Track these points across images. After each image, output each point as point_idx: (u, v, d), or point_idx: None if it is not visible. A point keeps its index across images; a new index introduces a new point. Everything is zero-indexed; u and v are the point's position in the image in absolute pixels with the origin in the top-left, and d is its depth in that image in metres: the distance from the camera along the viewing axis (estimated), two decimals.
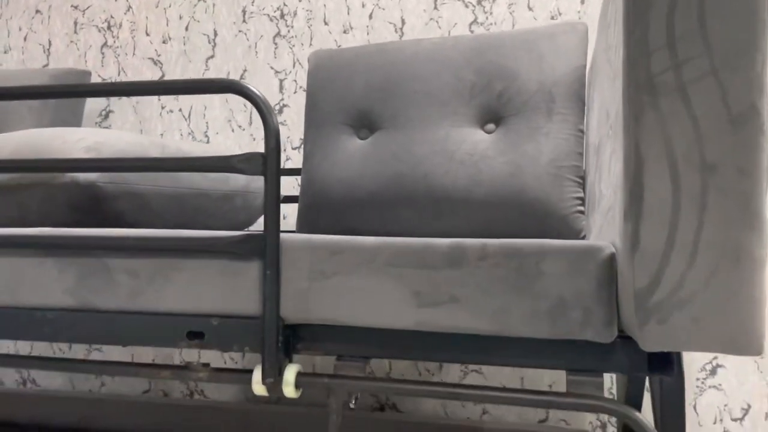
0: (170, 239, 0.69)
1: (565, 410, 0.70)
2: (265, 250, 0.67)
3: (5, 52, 1.74)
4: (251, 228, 1.46)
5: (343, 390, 0.69)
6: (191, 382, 1.48)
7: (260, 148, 1.52)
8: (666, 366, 0.61)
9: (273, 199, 0.67)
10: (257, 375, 0.69)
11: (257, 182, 1.24)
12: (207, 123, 1.58)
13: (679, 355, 0.62)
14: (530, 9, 1.43)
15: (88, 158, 0.75)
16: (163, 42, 1.62)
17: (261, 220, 1.41)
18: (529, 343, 0.66)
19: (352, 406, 0.76)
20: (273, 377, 0.67)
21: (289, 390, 0.68)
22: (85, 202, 0.87)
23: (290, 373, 0.69)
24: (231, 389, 1.52)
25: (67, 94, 0.75)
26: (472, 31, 1.46)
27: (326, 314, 0.68)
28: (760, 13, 0.54)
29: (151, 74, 1.63)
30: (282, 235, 0.69)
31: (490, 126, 1.15)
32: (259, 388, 0.69)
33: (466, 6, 1.46)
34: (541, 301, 0.62)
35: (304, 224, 1.20)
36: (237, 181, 1.18)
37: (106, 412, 1.51)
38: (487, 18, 1.45)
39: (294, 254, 0.68)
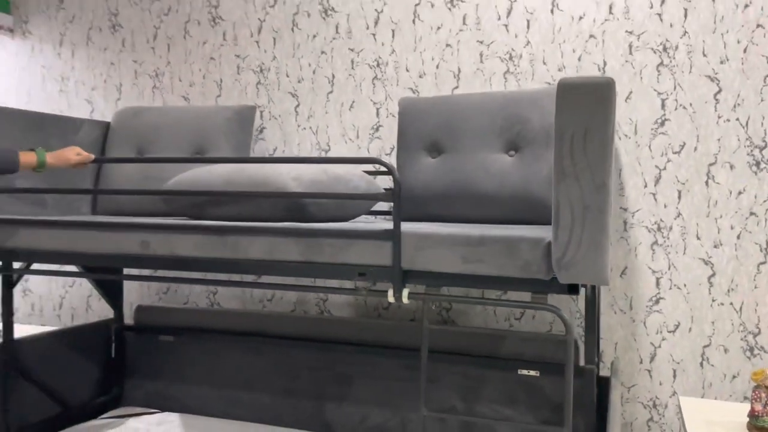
0: (352, 230, 1.49)
1: (531, 310, 1.49)
2: (394, 234, 1.47)
3: (190, 86, 2.58)
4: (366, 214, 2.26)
5: (429, 300, 1.50)
6: (322, 302, 2.34)
7: (359, 152, 2.32)
8: (572, 288, 1.38)
9: (397, 214, 1.46)
10: (390, 292, 1.50)
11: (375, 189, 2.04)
12: (328, 136, 2.39)
13: (578, 285, 1.40)
14: (544, 63, 2.14)
15: (296, 192, 1.56)
16: (299, 81, 2.41)
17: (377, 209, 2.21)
18: (516, 279, 1.44)
19: (433, 308, 1.56)
20: (399, 293, 1.49)
21: (405, 299, 1.49)
22: (292, 206, 1.68)
23: (405, 292, 1.49)
24: (348, 309, 2.38)
25: (245, 160, 1.55)
26: (506, 79, 2.19)
27: (421, 265, 1.47)
28: (610, 146, 1.29)
29: (324, 96, 2.43)
30: (402, 225, 1.48)
31: (512, 152, 1.91)
32: (391, 298, 1.50)
33: (502, 61, 2.19)
34: (519, 260, 1.40)
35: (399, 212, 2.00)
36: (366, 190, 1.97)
37: (267, 323, 2.38)
38: (516, 68, 2.18)
39: (406, 237, 1.48)
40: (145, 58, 2.66)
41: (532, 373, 2.04)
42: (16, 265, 1.98)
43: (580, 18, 2.10)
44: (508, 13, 2.18)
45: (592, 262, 1.31)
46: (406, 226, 1.54)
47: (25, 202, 2.07)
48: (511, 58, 2.18)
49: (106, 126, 2.39)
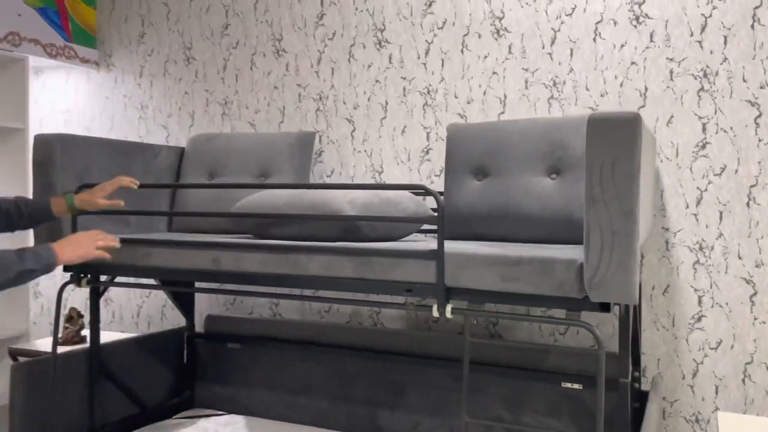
0: (399, 250, 1.64)
1: (564, 325, 1.59)
2: (438, 254, 1.60)
3: (256, 113, 2.80)
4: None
5: (470, 315, 1.63)
6: (375, 315, 2.50)
7: (412, 177, 2.47)
8: (604, 306, 1.49)
9: (441, 236, 1.60)
10: (434, 308, 1.63)
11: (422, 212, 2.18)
12: (382, 159, 2.55)
13: (609, 304, 1.50)
14: (587, 89, 2.24)
15: (350, 215, 1.72)
16: (355, 108, 2.59)
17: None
18: (551, 297, 1.55)
19: (474, 322, 1.69)
20: (443, 308, 1.62)
21: (449, 314, 1.62)
22: (347, 227, 1.84)
23: (449, 307, 1.63)
24: (399, 322, 2.52)
25: (296, 185, 1.71)
26: (550, 104, 2.30)
27: (463, 283, 1.60)
28: (636, 176, 1.39)
29: (378, 121, 2.61)
30: (445, 245, 1.62)
31: (553, 176, 2.01)
32: (435, 313, 1.64)
33: (546, 87, 2.30)
34: (554, 280, 1.51)
35: (447, 230, 2.14)
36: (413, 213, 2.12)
37: (325, 333, 2.55)
38: (560, 94, 2.28)
39: (449, 257, 1.61)
40: (216, 88, 2.90)
41: (575, 386, 2.13)
42: (102, 277, 2.22)
43: (622, 46, 2.19)
44: (552, 42, 2.29)
45: (620, 282, 1.42)
46: (450, 246, 1.67)
47: (112, 221, 2.31)
48: (555, 84, 2.29)
49: (180, 151, 2.63)
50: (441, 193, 2.26)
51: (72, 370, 2.25)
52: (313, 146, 2.53)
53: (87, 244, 1.70)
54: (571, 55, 2.27)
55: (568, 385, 2.14)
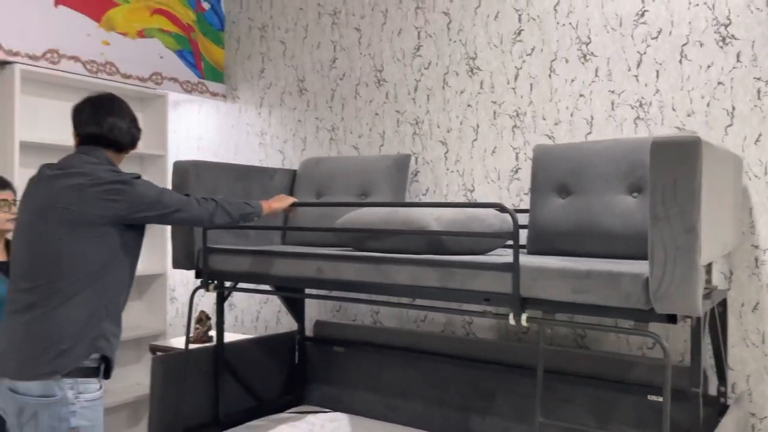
0: (478, 262, 1.81)
1: (633, 334, 1.69)
2: (513, 267, 1.76)
3: (359, 137, 3.07)
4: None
5: (545, 324, 1.76)
6: (468, 325, 2.66)
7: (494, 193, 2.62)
8: (671, 318, 1.57)
9: (516, 250, 1.75)
10: (511, 316, 1.78)
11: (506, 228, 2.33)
12: (473, 178, 2.72)
13: (676, 315, 1.57)
14: (674, 110, 2.30)
15: (434, 230, 1.92)
16: (448, 131, 2.79)
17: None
18: (619, 308, 1.66)
19: (549, 331, 1.81)
20: (518, 317, 1.77)
21: (524, 322, 1.77)
22: (433, 241, 2.04)
23: (524, 316, 1.77)
24: (491, 332, 2.67)
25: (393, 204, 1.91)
26: (636, 124, 2.37)
27: (537, 294, 1.74)
28: (698, 194, 1.48)
29: (470, 143, 2.81)
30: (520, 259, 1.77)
31: (635, 194, 2.10)
32: (512, 321, 1.78)
33: (632, 108, 2.38)
34: (622, 292, 1.62)
35: (532, 246, 2.27)
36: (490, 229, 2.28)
37: (421, 341, 2.74)
38: (646, 114, 2.35)
39: (524, 269, 1.76)
40: (325, 116, 3.20)
41: (661, 399, 2.17)
42: (227, 284, 2.55)
43: (708, 66, 2.23)
44: (638, 65, 2.37)
45: (683, 294, 1.50)
46: (525, 259, 1.82)
47: (233, 235, 2.65)
48: (641, 105, 2.36)
49: (293, 173, 2.95)
50: (527, 211, 2.39)
51: (200, 364, 2.60)
52: (409, 167, 2.75)
53: (282, 201, 2.29)
54: (657, 76, 2.33)
55: (654, 397, 2.19)
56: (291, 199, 2.32)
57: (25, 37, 2.74)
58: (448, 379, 2.63)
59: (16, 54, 2.70)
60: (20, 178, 2.54)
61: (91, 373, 1.74)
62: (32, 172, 2.72)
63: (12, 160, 2.65)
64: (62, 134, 2.94)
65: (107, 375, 1.80)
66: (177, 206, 1.89)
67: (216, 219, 2.00)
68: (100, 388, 1.77)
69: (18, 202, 2.21)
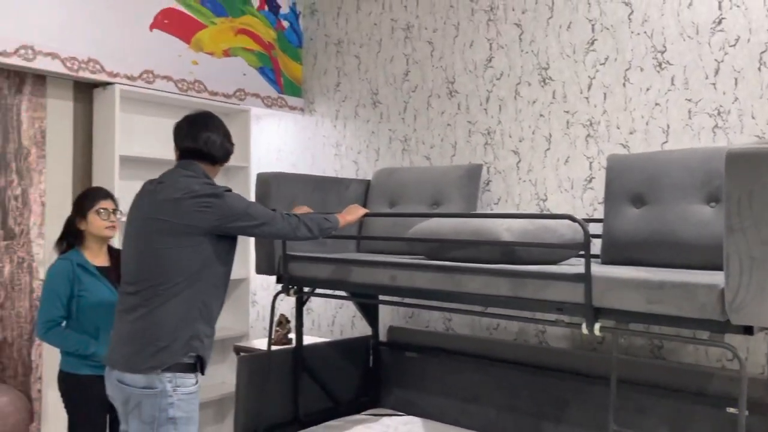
0: (550, 272, 1.85)
1: (709, 346, 1.68)
2: (585, 277, 1.78)
3: (431, 148, 3.14)
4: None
5: (618, 333, 1.77)
6: (541, 334, 2.68)
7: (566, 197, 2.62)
8: (747, 329, 1.56)
9: (587, 260, 1.78)
10: (584, 325, 1.81)
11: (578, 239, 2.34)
12: (546, 187, 2.74)
13: (752, 327, 1.56)
14: (753, 118, 2.25)
15: (508, 240, 1.96)
16: (520, 141, 2.82)
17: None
18: (694, 319, 1.66)
19: (622, 340, 1.82)
20: (590, 326, 1.79)
21: (597, 332, 1.79)
22: (505, 251, 2.08)
23: (597, 326, 1.79)
24: (564, 341, 2.68)
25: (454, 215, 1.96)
26: (714, 133, 2.33)
27: (610, 304, 1.76)
28: None
29: (542, 153, 2.85)
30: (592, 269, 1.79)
31: (712, 204, 2.07)
32: (585, 331, 1.81)
33: (710, 116, 2.35)
34: (697, 303, 1.62)
35: (605, 256, 2.27)
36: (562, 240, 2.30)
37: (493, 349, 2.78)
38: (724, 123, 2.32)
39: (596, 279, 1.78)
40: (397, 127, 3.30)
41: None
42: (305, 289, 2.68)
43: None
44: (716, 72, 2.34)
45: (759, 306, 1.50)
46: (597, 270, 1.84)
47: (311, 243, 2.77)
48: (719, 113, 2.33)
49: (367, 183, 3.05)
50: (601, 221, 2.39)
51: (281, 365, 2.74)
52: (481, 177, 2.80)
53: (356, 210, 2.40)
54: (736, 84, 2.29)
55: (733, 410, 2.15)
56: (363, 211, 2.42)
57: (124, 59, 2.97)
58: (521, 387, 2.66)
59: (116, 75, 2.94)
60: (120, 188, 2.77)
61: (188, 368, 1.89)
62: (130, 183, 2.96)
63: (113, 172, 2.89)
64: (156, 148, 3.17)
65: (202, 372, 1.95)
66: (264, 220, 2.02)
67: (298, 233, 2.12)
68: (196, 383, 1.92)
69: (118, 211, 2.43)
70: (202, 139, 2.02)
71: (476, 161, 2.97)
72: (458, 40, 3.07)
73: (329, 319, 3.58)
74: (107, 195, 2.44)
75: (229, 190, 2.00)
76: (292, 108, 3.73)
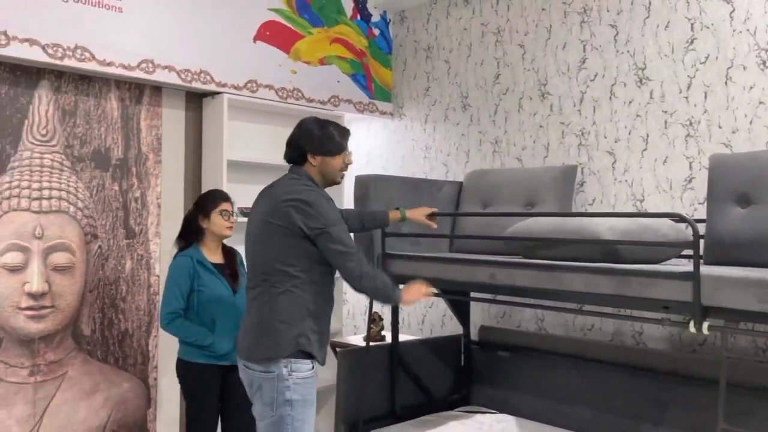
0: (656, 271, 1.86)
1: None
2: (693, 276, 1.78)
3: (523, 149, 3.18)
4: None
5: (727, 332, 1.77)
6: (638, 335, 2.67)
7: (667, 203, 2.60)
8: None
9: (696, 259, 1.78)
10: (691, 324, 1.81)
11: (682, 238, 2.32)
12: (643, 188, 2.73)
13: None
14: None
15: (609, 239, 1.98)
16: (616, 141, 2.82)
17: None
18: None
19: (732, 339, 1.81)
20: (698, 325, 1.79)
21: (705, 330, 1.78)
22: (607, 251, 2.10)
23: (705, 324, 1.79)
24: (662, 342, 2.66)
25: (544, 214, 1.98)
26: None
27: (719, 302, 1.75)
28: None
29: (639, 153, 2.85)
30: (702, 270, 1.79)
31: None
32: (692, 329, 1.81)
33: None
34: None
35: (709, 256, 2.25)
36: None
37: (588, 349, 2.78)
38: None
39: (704, 278, 1.78)
40: (488, 129, 3.35)
41: None
42: (401, 286, 2.78)
43: None
44: None
45: None
46: (705, 269, 1.84)
47: (407, 242, 2.87)
48: None
49: (459, 185, 3.12)
50: (702, 221, 2.37)
51: (377, 360, 2.85)
52: (575, 178, 2.82)
53: (417, 291, 2.24)
54: None
55: None
56: (424, 292, 2.25)
57: (231, 70, 3.17)
58: (618, 388, 2.65)
59: (224, 85, 3.14)
60: (227, 191, 2.94)
61: (303, 355, 2.02)
62: (237, 186, 3.15)
63: (221, 176, 3.09)
64: (259, 153, 3.36)
65: (320, 362, 2.08)
66: (350, 250, 2.03)
67: (364, 282, 2.07)
68: (311, 368, 2.05)
69: (235, 213, 2.62)
70: (293, 140, 2.16)
71: (570, 162, 2.98)
72: (550, 42, 3.10)
73: (419, 318, 3.67)
74: (228, 197, 2.63)
75: (326, 199, 2.08)
76: (383, 113, 3.85)
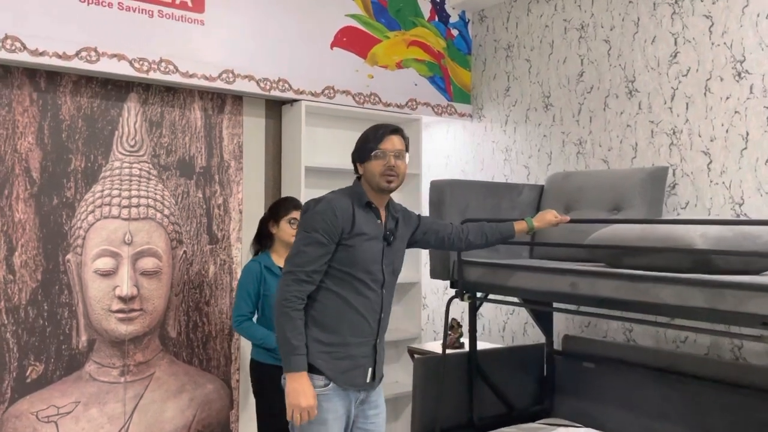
0: (755, 283, 1.70)
1: None
2: None
3: (609, 150, 3.02)
4: None
5: None
6: (737, 349, 2.47)
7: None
8: None
9: None
10: None
11: None
12: (742, 190, 2.52)
13: None
14: None
15: (700, 248, 1.83)
16: (711, 140, 2.62)
17: None
18: None
19: None
20: None
21: None
22: (699, 260, 1.94)
23: None
24: (764, 357, 2.44)
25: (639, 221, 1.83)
26: None
27: None
28: None
29: (738, 152, 2.65)
30: None
31: None
32: None
33: None
34: None
35: None
36: None
37: (681, 363, 2.60)
38: None
39: None
40: (571, 130, 3.21)
41: None
42: (479, 295, 2.70)
43: None
44: None
45: None
46: None
47: (486, 249, 2.79)
48: None
49: (540, 188, 3.01)
50: None
51: (455, 368, 2.78)
52: (666, 180, 2.64)
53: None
54: None
55: None
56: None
57: (308, 77, 3.21)
58: (715, 406, 2.45)
59: (302, 92, 3.18)
60: (305, 196, 2.97)
61: (312, 368, 1.89)
62: (315, 191, 3.17)
63: (299, 182, 3.13)
64: (335, 158, 3.38)
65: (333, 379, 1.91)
66: (288, 267, 1.90)
67: (276, 312, 1.89)
68: (325, 385, 1.89)
69: None
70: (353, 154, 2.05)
71: (660, 163, 2.80)
72: (638, 36, 2.92)
73: (500, 325, 3.57)
74: (299, 206, 2.65)
75: (323, 209, 1.91)
76: (461, 115, 3.78)
